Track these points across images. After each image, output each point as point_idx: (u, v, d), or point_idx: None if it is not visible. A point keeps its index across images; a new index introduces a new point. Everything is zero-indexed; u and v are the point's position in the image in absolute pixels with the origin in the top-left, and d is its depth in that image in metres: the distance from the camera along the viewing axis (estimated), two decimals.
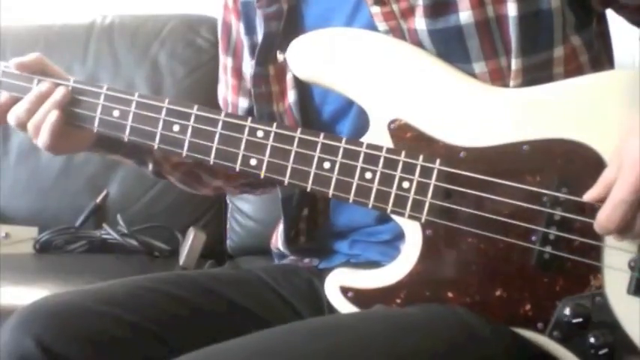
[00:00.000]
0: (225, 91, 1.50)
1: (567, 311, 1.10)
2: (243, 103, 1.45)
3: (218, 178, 1.54)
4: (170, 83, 2.60)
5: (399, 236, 1.22)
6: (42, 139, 1.32)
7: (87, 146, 1.41)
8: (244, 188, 1.60)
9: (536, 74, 1.18)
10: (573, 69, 1.21)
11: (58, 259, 2.36)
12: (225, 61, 1.47)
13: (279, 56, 1.34)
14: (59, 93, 1.33)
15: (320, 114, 1.36)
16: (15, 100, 1.34)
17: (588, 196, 1.07)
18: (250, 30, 1.38)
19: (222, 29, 1.46)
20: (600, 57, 1.28)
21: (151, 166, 1.48)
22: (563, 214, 1.10)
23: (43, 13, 2.80)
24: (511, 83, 1.18)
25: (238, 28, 1.42)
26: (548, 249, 1.11)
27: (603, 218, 1.03)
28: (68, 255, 2.41)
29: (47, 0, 2.86)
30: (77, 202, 2.54)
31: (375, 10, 1.23)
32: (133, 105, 1.30)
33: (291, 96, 1.35)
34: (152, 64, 2.62)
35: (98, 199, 2.53)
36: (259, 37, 1.36)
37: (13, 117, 1.34)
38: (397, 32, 1.22)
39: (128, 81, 2.58)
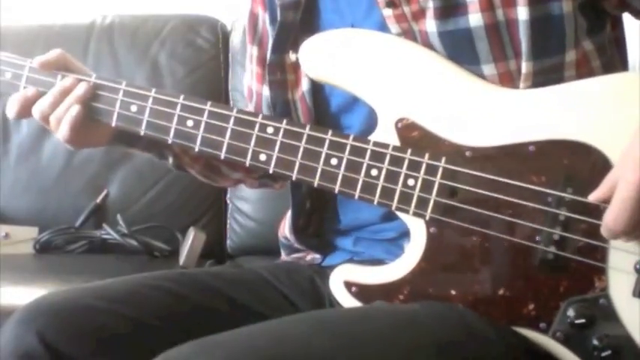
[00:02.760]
0: (250, 79, 1.51)
1: (571, 312, 1.10)
2: (267, 91, 1.46)
3: (238, 171, 1.56)
4: (170, 83, 2.60)
5: (404, 234, 1.23)
6: (62, 132, 1.35)
7: (106, 140, 1.44)
8: (264, 180, 1.61)
9: (546, 77, 1.18)
10: (585, 73, 1.21)
11: (58, 259, 2.36)
12: (251, 51, 1.49)
13: (292, 55, 1.37)
14: (81, 88, 1.36)
15: (330, 105, 1.37)
16: (40, 95, 1.38)
17: (593, 196, 1.07)
18: (274, 20, 1.40)
19: (249, 20, 1.48)
20: (613, 62, 1.28)
21: (171, 160, 1.51)
22: (567, 214, 1.10)
23: (43, 13, 2.81)
24: (521, 86, 1.18)
25: (264, 18, 1.44)
26: (552, 249, 1.11)
27: (610, 220, 1.03)
28: (68, 255, 2.42)
29: (47, 0, 2.87)
30: (77, 202, 2.55)
31: (387, 12, 1.24)
32: (150, 100, 1.33)
33: (305, 84, 1.37)
34: (152, 64, 2.62)
35: (98, 199, 2.53)
36: None
37: (37, 110, 1.37)
38: (409, 34, 1.23)
39: (128, 81, 2.55)
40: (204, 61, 2.64)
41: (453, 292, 1.16)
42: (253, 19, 1.47)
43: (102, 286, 1.28)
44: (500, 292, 1.14)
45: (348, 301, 1.22)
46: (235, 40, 2.65)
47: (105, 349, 1.19)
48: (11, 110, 1.39)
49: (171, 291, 1.28)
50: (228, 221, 2.61)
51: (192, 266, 2.23)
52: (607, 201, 1.05)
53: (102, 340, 1.19)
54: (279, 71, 1.39)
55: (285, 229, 1.50)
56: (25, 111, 1.39)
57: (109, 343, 1.19)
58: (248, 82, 1.53)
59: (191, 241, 2.27)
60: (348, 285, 1.22)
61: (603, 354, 1.09)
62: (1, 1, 2.77)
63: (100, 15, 2.71)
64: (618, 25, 1.31)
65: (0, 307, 1.76)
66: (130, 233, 2.39)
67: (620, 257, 1.08)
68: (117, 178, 2.57)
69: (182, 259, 2.24)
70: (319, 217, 1.46)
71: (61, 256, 2.41)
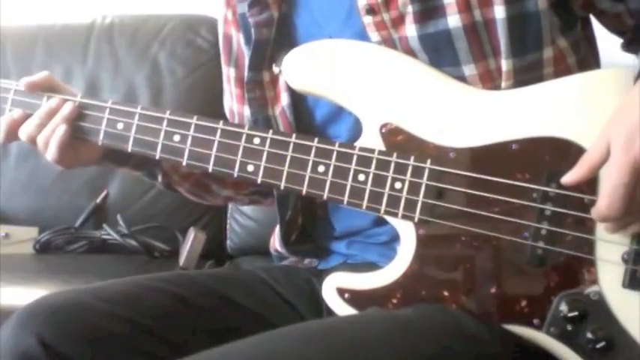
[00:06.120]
0: (231, 101, 1.52)
1: (563, 307, 1.11)
2: (248, 110, 1.46)
3: (227, 188, 1.57)
4: (170, 83, 2.60)
5: (397, 238, 1.23)
6: (50, 153, 1.36)
7: (95, 159, 1.44)
8: (254, 197, 1.62)
9: (527, 75, 1.20)
10: (562, 70, 1.23)
11: (58, 260, 2.36)
12: (228, 73, 1.50)
13: (275, 69, 1.37)
14: (67, 108, 1.37)
15: (313, 117, 1.38)
16: (27, 117, 1.39)
17: (569, 178, 1.08)
18: (249, 40, 1.40)
19: (223, 42, 1.48)
20: (588, 59, 1.30)
21: (160, 178, 1.51)
22: (553, 208, 1.11)
23: (43, 13, 2.80)
24: (503, 84, 1.20)
25: (238, 38, 1.44)
26: (540, 244, 1.12)
27: (604, 206, 1.03)
28: (68, 255, 2.42)
29: (47, 0, 2.87)
30: (77, 202, 2.54)
31: (368, 20, 1.25)
32: (136, 117, 1.34)
33: (285, 99, 1.37)
34: (152, 64, 2.62)
35: (98, 199, 2.53)
36: None
37: (24, 132, 1.38)
38: (389, 42, 1.24)
39: (128, 81, 2.59)
40: (204, 61, 2.63)
41: (446, 293, 1.17)
42: (227, 40, 1.47)
43: (100, 288, 1.29)
44: (492, 290, 1.15)
45: (341, 307, 1.22)
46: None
47: (103, 351, 1.19)
48: None
49: (170, 293, 1.29)
50: (228, 221, 2.60)
51: (192, 267, 2.23)
52: (583, 181, 1.07)
53: (100, 341, 1.19)
54: (258, 89, 1.40)
55: (275, 243, 1.50)
56: (12, 133, 1.40)
57: (107, 344, 1.20)
58: (229, 104, 1.53)
59: (191, 241, 2.26)
60: (341, 292, 1.22)
61: (598, 346, 1.10)
62: (1, 1, 2.77)
63: (100, 15, 2.70)
64: (588, 24, 1.33)
65: (0, 307, 1.76)
66: (130, 233, 2.40)
67: (607, 249, 1.10)
68: (117, 178, 2.56)
69: (182, 260, 2.24)
70: (308, 227, 1.47)
71: (61, 256, 2.41)
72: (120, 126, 1.34)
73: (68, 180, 2.56)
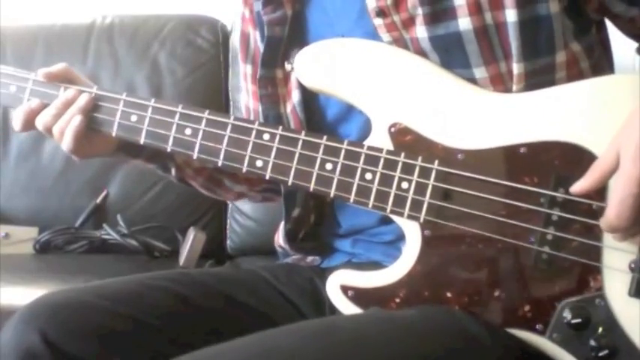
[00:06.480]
0: (247, 98, 1.53)
1: (567, 313, 1.11)
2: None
3: (240, 184, 1.58)
4: (170, 83, 2.61)
5: (402, 237, 1.23)
6: (66, 143, 1.37)
7: (110, 150, 1.46)
8: (267, 194, 1.62)
9: (538, 79, 1.19)
10: (575, 74, 1.22)
11: (58, 260, 2.36)
12: (245, 70, 1.51)
13: (287, 66, 1.38)
14: (83, 99, 1.38)
15: (324, 116, 1.38)
16: (44, 107, 1.40)
17: (579, 187, 1.08)
18: (264, 37, 1.40)
19: (240, 39, 1.50)
20: (601, 63, 1.30)
21: (173, 172, 1.52)
22: (560, 214, 1.11)
23: (43, 13, 2.81)
24: (514, 87, 1.19)
25: (255, 36, 1.46)
26: (546, 249, 1.12)
27: (613, 216, 1.03)
28: (68, 255, 2.42)
29: (47, 0, 2.87)
30: (77, 202, 2.54)
31: (378, 22, 1.25)
32: (149, 110, 1.35)
33: (295, 96, 1.38)
34: (152, 64, 2.62)
35: (98, 199, 2.53)
36: None
37: (40, 122, 1.39)
38: (400, 42, 1.25)
39: (128, 81, 2.59)
40: (204, 61, 2.63)
41: (449, 295, 1.17)
42: (245, 38, 1.49)
43: (103, 286, 1.30)
44: (496, 293, 1.15)
45: (344, 305, 1.23)
46: (235, 40, 2.64)
47: (105, 348, 1.19)
48: (17, 123, 1.41)
49: (172, 291, 1.29)
50: (228, 221, 2.61)
51: (192, 266, 2.23)
52: (593, 190, 1.06)
53: (102, 338, 1.20)
54: (270, 85, 1.41)
55: (279, 240, 1.51)
56: (29, 123, 1.41)
57: (109, 341, 1.20)
58: (245, 102, 1.54)
59: (191, 241, 2.26)
60: (345, 289, 1.22)
61: (600, 354, 1.09)
62: (1, 1, 2.77)
63: (100, 15, 2.70)
64: (602, 28, 1.33)
65: (0, 307, 1.76)
66: (130, 233, 2.40)
67: (614, 256, 1.09)
68: (117, 178, 2.56)
69: (182, 260, 2.24)
70: (313, 224, 1.47)
71: (61, 256, 2.41)
72: (133, 118, 1.36)
73: (68, 180, 2.56)
